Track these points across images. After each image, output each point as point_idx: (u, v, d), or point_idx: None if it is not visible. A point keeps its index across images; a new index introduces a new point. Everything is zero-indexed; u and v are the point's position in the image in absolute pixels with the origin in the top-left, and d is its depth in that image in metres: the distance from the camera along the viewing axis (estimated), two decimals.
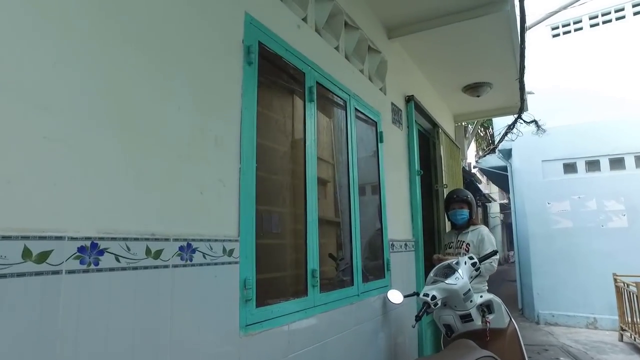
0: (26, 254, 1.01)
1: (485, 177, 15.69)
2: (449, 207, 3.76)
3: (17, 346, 0.98)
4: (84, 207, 1.15)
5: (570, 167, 7.94)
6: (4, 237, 0.98)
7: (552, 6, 8.09)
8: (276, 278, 2.00)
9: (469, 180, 12.83)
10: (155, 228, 1.33)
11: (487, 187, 19.68)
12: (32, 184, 1.04)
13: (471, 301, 2.86)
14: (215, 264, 1.54)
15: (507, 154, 8.67)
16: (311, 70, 2.35)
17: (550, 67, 8.42)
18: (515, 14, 3.56)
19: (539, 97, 8.08)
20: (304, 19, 2.40)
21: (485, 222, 20.19)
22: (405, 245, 3.52)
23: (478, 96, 5.17)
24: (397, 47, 3.90)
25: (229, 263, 1.60)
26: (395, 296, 2.90)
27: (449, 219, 3.81)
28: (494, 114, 6.42)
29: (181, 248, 1.40)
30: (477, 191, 15.04)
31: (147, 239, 1.29)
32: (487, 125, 9.64)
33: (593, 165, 7.76)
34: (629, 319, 6.00)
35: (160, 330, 1.31)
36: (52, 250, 1.06)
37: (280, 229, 2.11)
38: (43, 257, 1.04)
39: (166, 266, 1.35)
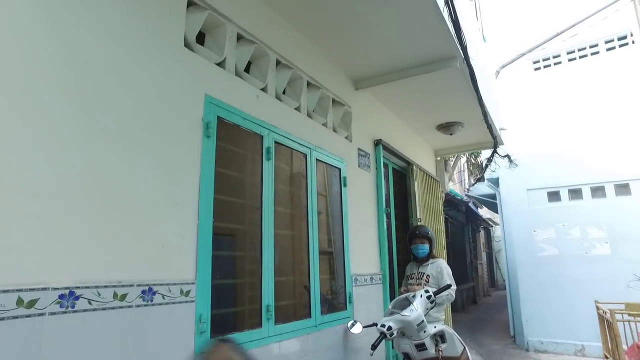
0: (19, 302, 1.42)
1: None
2: (412, 242, 4.10)
3: None
4: (64, 264, 1.56)
5: (554, 195, 8.21)
6: (3, 291, 1.38)
7: (532, 41, 8.56)
8: (232, 312, 2.37)
9: (465, 208, 13.11)
10: (122, 277, 1.73)
11: (491, 212, 19.81)
12: (26, 251, 1.46)
13: (425, 331, 3.17)
14: (174, 303, 1.93)
15: (495, 182, 8.98)
16: (269, 133, 2.78)
17: (533, 98, 8.82)
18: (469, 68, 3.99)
19: (522, 128, 8.46)
20: (264, 89, 2.85)
21: (489, 246, 20.23)
22: (372, 278, 3.86)
23: (451, 134, 5.57)
24: (366, 96, 4.34)
25: (186, 302, 1.99)
26: (355, 327, 3.22)
27: (411, 252, 4.14)
28: (471, 148, 6.80)
29: (143, 292, 1.80)
30: (475, 217, 15.26)
31: (114, 286, 1.70)
32: (476, 154, 9.99)
33: (576, 193, 8.03)
34: (610, 346, 6.15)
35: (126, 358, 1.69)
36: (39, 298, 1.47)
37: (237, 271, 2.49)
38: (32, 303, 1.45)
39: (130, 306, 1.74)
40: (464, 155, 10.10)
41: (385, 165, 4.78)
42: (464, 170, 13.76)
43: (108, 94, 1.79)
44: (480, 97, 4.32)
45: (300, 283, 2.96)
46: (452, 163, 7.36)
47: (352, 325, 3.23)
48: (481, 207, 15.32)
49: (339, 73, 3.88)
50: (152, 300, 1.83)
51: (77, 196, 1.63)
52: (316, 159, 3.29)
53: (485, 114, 4.79)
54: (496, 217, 20.17)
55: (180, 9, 2.23)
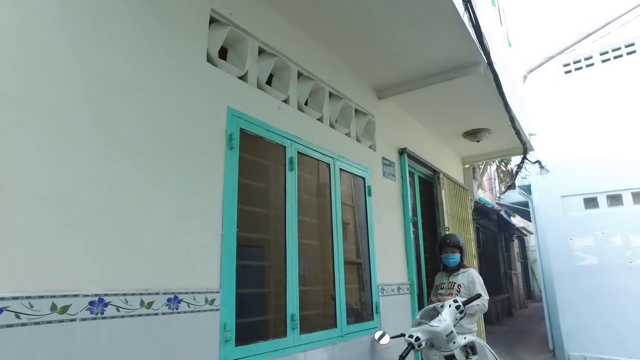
0: (53, 307, 1.48)
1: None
2: (442, 251, 4.02)
3: None
4: (94, 272, 1.62)
5: (591, 202, 7.88)
6: (39, 297, 1.45)
7: (560, 44, 8.33)
8: (257, 321, 2.39)
9: (497, 216, 12.74)
10: (148, 285, 1.78)
11: (524, 220, 19.16)
12: (58, 259, 1.53)
13: (454, 342, 3.09)
14: (199, 311, 1.96)
15: (527, 189, 8.71)
16: (292, 143, 2.82)
17: (565, 102, 8.55)
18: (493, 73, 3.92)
19: (553, 132, 8.20)
20: (286, 100, 2.90)
21: (524, 256, 19.52)
22: (399, 288, 3.80)
23: (478, 141, 5.47)
24: (389, 105, 4.34)
25: (211, 310, 2.02)
26: (382, 338, 3.18)
27: (441, 262, 4.06)
28: (500, 155, 6.64)
29: (169, 300, 1.84)
30: (507, 225, 14.80)
31: (141, 294, 1.75)
32: (507, 161, 9.74)
33: (615, 199, 7.68)
34: None
35: None
36: (71, 304, 1.53)
37: (262, 280, 2.51)
38: (64, 309, 1.51)
39: (156, 314, 1.79)
40: (493, 162, 9.86)
41: (411, 174, 4.73)
42: (494, 178, 13.42)
43: (133, 110, 1.87)
44: (507, 102, 4.23)
45: (326, 293, 2.95)
46: (480, 171, 7.19)
47: (380, 335, 3.18)
48: (514, 216, 14.85)
49: (361, 83, 3.90)
50: (177, 308, 1.88)
51: (105, 208, 1.70)
52: (340, 169, 3.30)
53: (512, 119, 4.68)
54: (530, 226, 19.50)
55: (203, 26, 2.32)
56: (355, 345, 3.02)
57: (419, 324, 3.13)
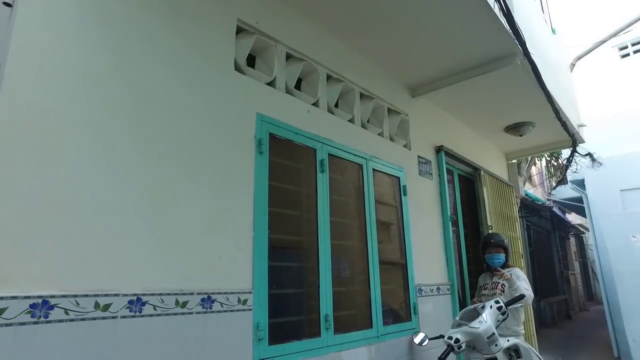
0: (96, 305, 1.60)
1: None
2: (485, 251, 3.90)
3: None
4: (132, 273, 1.73)
5: None
6: (85, 295, 1.58)
7: (613, 26, 7.79)
8: (290, 321, 2.43)
9: (550, 213, 12.09)
10: (183, 285, 1.88)
11: (581, 217, 18.04)
12: (101, 260, 1.65)
13: (496, 345, 2.97)
14: (232, 310, 2.04)
15: (580, 184, 8.21)
16: (323, 146, 2.85)
17: (621, 88, 7.99)
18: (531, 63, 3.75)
19: (608, 122, 7.68)
20: (315, 103, 2.94)
21: (582, 255, 18.38)
22: (438, 289, 3.72)
23: (521, 135, 5.24)
24: (424, 102, 4.26)
25: (244, 310, 2.09)
26: (420, 338, 3.12)
27: (485, 262, 3.92)
28: (547, 149, 6.30)
29: (203, 300, 1.93)
30: (562, 222, 14.00)
31: (176, 294, 1.84)
32: (556, 155, 9.23)
33: None
34: None
35: None
36: (112, 303, 1.64)
37: (295, 280, 2.56)
38: (106, 307, 1.63)
39: (191, 313, 1.88)
40: (541, 157, 9.37)
41: (450, 172, 4.62)
42: (544, 173, 12.75)
43: (167, 120, 1.98)
44: (549, 93, 4.02)
45: (360, 293, 2.95)
46: (526, 166, 6.86)
47: (418, 337, 3.13)
48: (569, 212, 14.03)
49: (393, 82, 3.87)
50: (211, 308, 1.96)
51: (143, 213, 1.81)
52: (373, 169, 3.29)
53: (556, 111, 4.45)
54: (587, 223, 18.34)
55: (230, 35, 2.41)
56: (392, 346, 3.00)
57: (459, 325, 3.05)
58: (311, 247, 2.63)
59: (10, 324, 1.40)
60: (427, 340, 3.10)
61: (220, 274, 2.05)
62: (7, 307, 1.39)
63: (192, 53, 2.17)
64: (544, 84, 3.84)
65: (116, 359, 1.61)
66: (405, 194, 3.59)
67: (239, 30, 2.48)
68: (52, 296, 1.51)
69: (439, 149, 4.32)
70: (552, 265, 13.11)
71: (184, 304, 1.86)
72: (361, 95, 3.44)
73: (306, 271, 2.60)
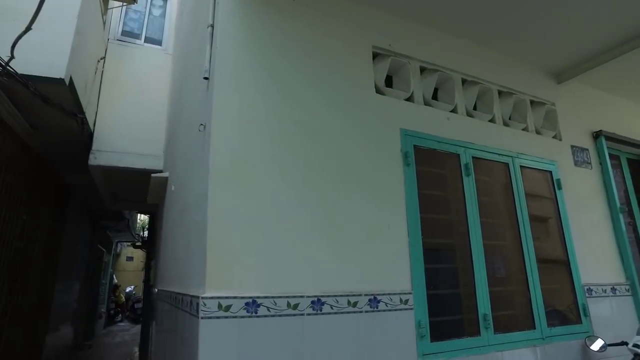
0: (288, 305, 2.01)
1: None
2: None
3: (284, 349, 1.95)
4: (312, 279, 2.11)
5: None
6: (279, 297, 2.00)
7: None
8: (449, 320, 2.55)
9: None
10: (352, 288, 2.19)
11: None
12: (290, 268, 2.06)
13: None
14: (395, 310, 2.28)
15: None
16: (466, 150, 2.91)
17: None
18: None
19: None
20: (454, 110, 3.02)
21: None
22: (613, 289, 3.38)
23: None
24: (573, 87, 3.93)
25: (405, 309, 2.31)
26: (595, 344, 2.90)
27: None
28: None
29: (370, 300, 2.21)
30: None
31: (347, 295, 2.16)
32: None
33: None
34: None
35: (359, 354, 2.12)
36: (299, 302, 2.04)
37: (450, 281, 2.66)
38: (295, 306, 2.02)
39: (360, 311, 2.17)
40: None
41: (615, 157, 4.13)
42: None
43: (332, 150, 2.38)
44: None
45: (519, 293, 2.90)
46: None
47: (592, 341, 2.92)
48: None
49: (533, 72, 3.68)
50: (377, 307, 2.23)
51: (317, 228, 2.19)
52: (520, 166, 3.20)
53: None
54: None
55: (367, 63, 2.68)
56: (560, 349, 2.86)
57: None
58: (464, 248, 2.72)
59: (235, 317, 1.87)
60: (604, 346, 2.86)
61: (383, 277, 2.31)
62: (232, 305, 1.87)
63: (340, 85, 2.52)
64: None
65: (305, 347, 1.99)
66: (560, 188, 3.37)
67: (375, 55, 2.74)
68: (258, 297, 1.95)
69: (597, 134, 3.91)
70: None
71: (355, 304, 2.17)
72: (499, 92, 3.38)
73: (460, 272, 2.70)
